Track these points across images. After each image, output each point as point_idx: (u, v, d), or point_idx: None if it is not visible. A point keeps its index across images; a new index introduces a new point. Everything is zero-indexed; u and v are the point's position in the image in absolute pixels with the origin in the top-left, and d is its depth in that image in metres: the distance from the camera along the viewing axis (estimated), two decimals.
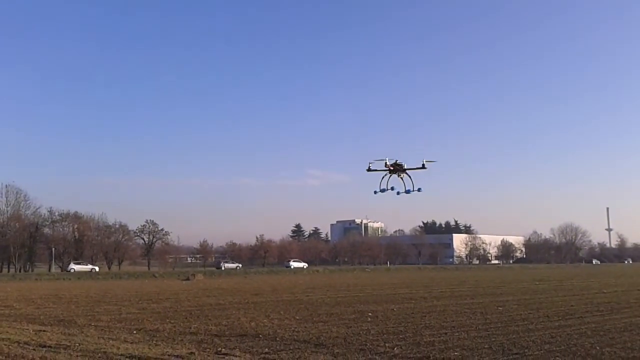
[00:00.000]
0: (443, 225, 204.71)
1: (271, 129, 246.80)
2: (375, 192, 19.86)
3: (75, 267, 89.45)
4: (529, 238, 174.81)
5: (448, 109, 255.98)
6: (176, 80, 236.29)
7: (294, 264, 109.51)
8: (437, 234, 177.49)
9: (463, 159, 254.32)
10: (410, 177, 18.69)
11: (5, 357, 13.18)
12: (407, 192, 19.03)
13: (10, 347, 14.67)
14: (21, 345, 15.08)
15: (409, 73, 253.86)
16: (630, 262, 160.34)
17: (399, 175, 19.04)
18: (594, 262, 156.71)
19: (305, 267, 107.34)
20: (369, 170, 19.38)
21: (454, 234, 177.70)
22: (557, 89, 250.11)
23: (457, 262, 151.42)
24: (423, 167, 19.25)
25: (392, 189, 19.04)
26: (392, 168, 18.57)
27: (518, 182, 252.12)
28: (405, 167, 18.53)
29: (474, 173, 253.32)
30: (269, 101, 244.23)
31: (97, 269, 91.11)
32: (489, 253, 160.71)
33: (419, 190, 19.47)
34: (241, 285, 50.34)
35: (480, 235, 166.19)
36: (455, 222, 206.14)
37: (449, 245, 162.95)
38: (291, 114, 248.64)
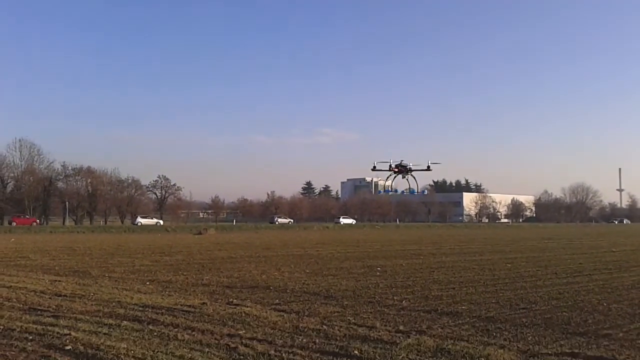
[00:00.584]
0: (453, 184, 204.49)
1: (284, 87, 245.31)
2: (379, 192, 19.89)
3: (142, 220, 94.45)
4: (540, 197, 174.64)
5: (459, 66, 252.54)
6: (190, 36, 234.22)
7: (344, 220, 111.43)
8: (447, 193, 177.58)
9: (475, 118, 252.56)
10: (414, 178, 18.59)
11: (23, 304, 13.53)
12: (412, 192, 18.97)
13: (27, 295, 15.04)
14: (37, 294, 15.45)
15: (420, 30, 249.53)
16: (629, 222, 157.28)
17: (403, 177, 18.95)
18: (616, 222, 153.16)
19: (353, 222, 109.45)
20: (374, 169, 19.34)
21: (464, 193, 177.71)
22: (570, 46, 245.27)
23: (466, 221, 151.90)
24: (428, 168, 19.31)
25: (396, 191, 18.97)
26: (396, 170, 18.44)
27: (530, 142, 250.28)
28: (410, 168, 18.40)
29: (486, 132, 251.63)
30: (281, 59, 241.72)
31: (161, 222, 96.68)
32: (499, 212, 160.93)
33: (423, 192, 19.39)
34: (252, 240, 50.93)
35: (491, 194, 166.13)
36: (466, 181, 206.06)
37: (459, 203, 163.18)
38: (303, 72, 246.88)
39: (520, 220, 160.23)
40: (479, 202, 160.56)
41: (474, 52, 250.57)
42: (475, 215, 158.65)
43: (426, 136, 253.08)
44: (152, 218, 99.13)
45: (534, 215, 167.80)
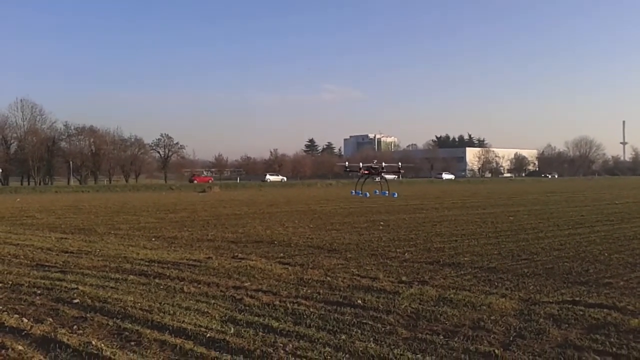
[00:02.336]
0: (456, 140, 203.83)
1: (286, 43, 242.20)
2: (352, 193, 19.86)
3: (270, 177, 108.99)
4: (543, 151, 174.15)
5: (461, 21, 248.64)
6: None
7: (446, 176, 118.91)
8: (450, 148, 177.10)
9: (477, 72, 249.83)
10: (386, 180, 18.37)
11: (30, 261, 13.72)
12: (383, 194, 18.85)
13: (34, 252, 15.24)
14: (44, 251, 15.65)
15: None
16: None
17: (374, 179, 18.77)
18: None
19: (452, 178, 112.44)
20: (345, 170, 19.30)
21: (467, 148, 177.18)
22: (568, 3, 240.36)
23: (469, 176, 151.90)
24: (399, 170, 19.29)
25: (366, 195, 18.85)
26: (367, 172, 18.25)
27: (533, 95, 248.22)
28: (381, 170, 18.19)
29: (489, 86, 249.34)
30: (285, 13, 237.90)
31: (285, 179, 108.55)
32: (502, 166, 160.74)
33: (393, 195, 19.36)
34: (256, 197, 51.16)
35: (494, 149, 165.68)
36: (469, 136, 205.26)
37: (462, 159, 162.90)
38: (306, 29, 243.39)
39: (523, 174, 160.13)
40: (482, 157, 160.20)
41: (477, 8, 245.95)
42: (478, 170, 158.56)
43: (429, 91, 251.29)
44: (277, 175, 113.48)
45: (537, 169, 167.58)
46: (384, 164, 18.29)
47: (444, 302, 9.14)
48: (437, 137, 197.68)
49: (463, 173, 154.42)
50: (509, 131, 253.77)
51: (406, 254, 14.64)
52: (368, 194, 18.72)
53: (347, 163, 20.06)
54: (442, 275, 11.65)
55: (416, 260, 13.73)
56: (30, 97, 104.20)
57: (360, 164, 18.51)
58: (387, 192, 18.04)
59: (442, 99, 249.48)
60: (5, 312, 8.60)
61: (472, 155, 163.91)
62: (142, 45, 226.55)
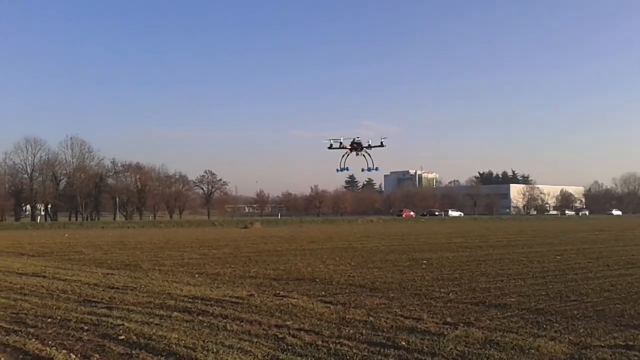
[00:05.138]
0: (500, 176, 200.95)
1: (324, 80, 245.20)
2: (337, 171, 19.85)
3: (452, 213, 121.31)
4: (589, 188, 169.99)
5: (504, 54, 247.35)
6: (228, 31, 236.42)
7: (453, 213, 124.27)
8: (493, 184, 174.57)
9: (521, 108, 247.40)
10: (370, 155, 18.33)
11: (78, 296, 14.04)
12: (369, 170, 18.75)
13: (81, 288, 15.59)
14: (91, 286, 15.99)
15: (461, 18, 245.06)
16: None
17: (357, 154, 18.70)
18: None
19: (461, 215, 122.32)
20: (330, 148, 19.36)
21: (511, 184, 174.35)
22: (618, 35, 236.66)
23: (514, 213, 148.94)
24: (382, 145, 19.16)
25: (347, 169, 18.80)
26: (350, 147, 18.19)
27: (580, 131, 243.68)
28: (365, 145, 18.13)
29: (534, 122, 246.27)
30: (322, 51, 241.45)
31: (462, 214, 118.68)
32: (547, 203, 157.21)
33: (376, 169, 19.29)
34: (297, 233, 51.26)
35: (539, 186, 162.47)
36: (513, 172, 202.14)
37: (506, 195, 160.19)
38: (343, 65, 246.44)
39: (580, 212, 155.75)
40: (527, 193, 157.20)
41: (520, 40, 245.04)
42: (523, 207, 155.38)
43: (471, 126, 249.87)
44: (455, 210, 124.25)
45: (584, 206, 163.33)
46: (370, 142, 18.34)
47: (490, 344, 8.90)
48: (479, 174, 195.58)
49: (507, 210, 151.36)
50: (554, 167, 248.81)
51: (450, 294, 14.36)
52: (350, 167, 18.71)
53: (330, 141, 19.87)
54: (488, 317, 11.37)
55: (461, 300, 13.46)
56: (79, 135, 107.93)
57: (342, 138, 18.57)
58: (371, 167, 18.07)
59: (485, 134, 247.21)
60: (54, 347, 8.79)
61: (516, 192, 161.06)
62: (184, 84, 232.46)
